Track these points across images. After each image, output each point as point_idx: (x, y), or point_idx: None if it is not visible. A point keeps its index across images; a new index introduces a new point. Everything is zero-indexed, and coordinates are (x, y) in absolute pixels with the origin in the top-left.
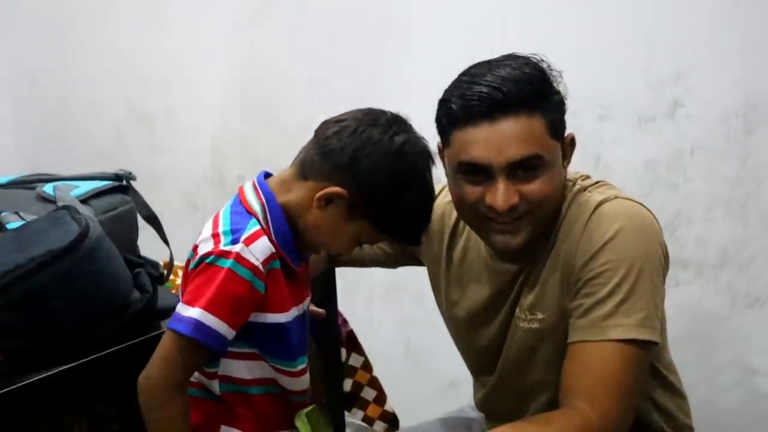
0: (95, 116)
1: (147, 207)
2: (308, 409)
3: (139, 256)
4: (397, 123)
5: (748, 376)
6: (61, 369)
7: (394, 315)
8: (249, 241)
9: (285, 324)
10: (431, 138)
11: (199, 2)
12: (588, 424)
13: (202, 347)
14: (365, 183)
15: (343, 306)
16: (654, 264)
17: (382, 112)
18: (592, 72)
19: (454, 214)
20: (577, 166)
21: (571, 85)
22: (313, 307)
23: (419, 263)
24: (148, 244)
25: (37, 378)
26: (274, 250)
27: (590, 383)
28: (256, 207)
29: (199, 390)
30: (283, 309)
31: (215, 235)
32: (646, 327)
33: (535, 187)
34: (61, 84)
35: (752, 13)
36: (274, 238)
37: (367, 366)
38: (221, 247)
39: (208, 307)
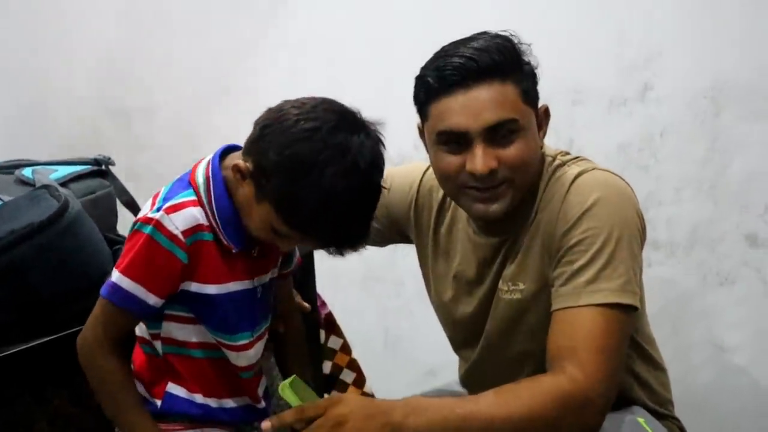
0: (72, 113)
1: (126, 192)
2: (290, 379)
3: (119, 235)
4: (337, 116)
5: (719, 353)
6: (42, 341)
7: (373, 304)
8: (171, 209)
9: (214, 296)
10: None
11: None
12: (576, 384)
13: (121, 310)
14: (263, 159)
15: (322, 295)
16: (632, 231)
17: (331, 103)
18: (564, 57)
19: (442, 189)
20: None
21: (544, 69)
22: (299, 299)
23: (406, 240)
24: (128, 229)
25: (18, 349)
26: (201, 222)
27: (576, 346)
28: (200, 179)
29: (148, 347)
30: (211, 281)
31: (152, 203)
32: (626, 291)
33: (512, 152)
34: (37, 81)
35: None
36: (211, 211)
37: (345, 348)
38: (147, 214)
39: (125, 271)
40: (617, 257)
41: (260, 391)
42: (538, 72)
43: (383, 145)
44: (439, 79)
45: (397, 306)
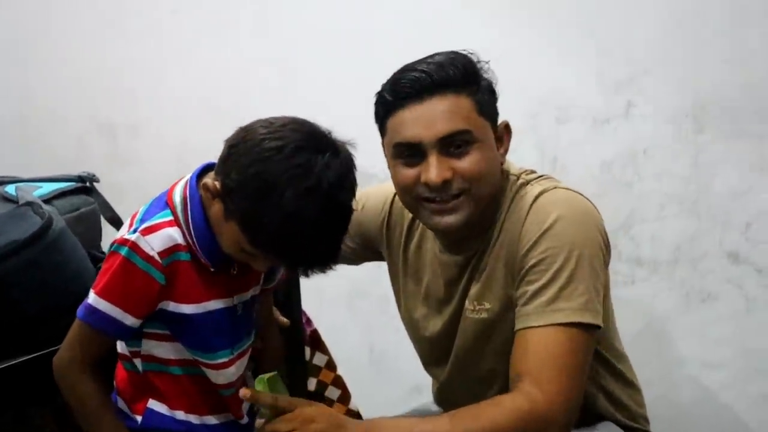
0: (57, 128)
1: (110, 209)
2: (270, 374)
3: (103, 252)
4: (304, 135)
5: (702, 370)
6: (25, 359)
7: (357, 320)
8: (147, 231)
9: (192, 315)
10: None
11: (161, 13)
12: (535, 405)
13: (98, 331)
14: (228, 178)
15: (307, 311)
16: (593, 250)
17: (301, 123)
18: (548, 75)
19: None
20: (535, 167)
21: (529, 88)
22: (278, 314)
23: (380, 258)
24: None
25: (2, 366)
26: (178, 242)
27: (536, 366)
28: (177, 198)
29: (129, 363)
30: (189, 300)
31: (130, 224)
32: (588, 310)
33: (466, 163)
34: (22, 95)
35: (698, 16)
36: (188, 230)
37: (330, 365)
38: (124, 235)
39: (102, 293)
40: (578, 276)
41: (244, 407)
42: (495, 75)
43: (353, 165)
44: (394, 92)
45: (382, 322)
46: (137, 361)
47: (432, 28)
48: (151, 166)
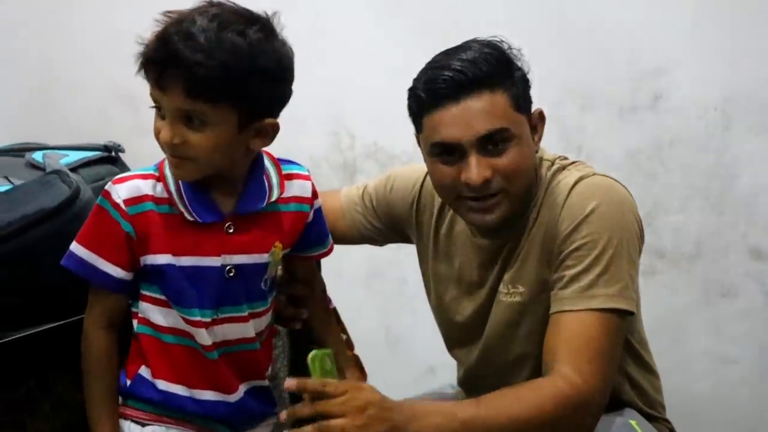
0: (78, 97)
1: None
2: (324, 351)
3: None
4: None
5: (719, 364)
6: (49, 326)
7: (375, 302)
8: (119, 181)
9: (165, 266)
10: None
11: None
12: (574, 388)
13: (87, 282)
14: None
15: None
16: (631, 237)
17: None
18: (575, 63)
19: None
20: (559, 154)
21: (555, 75)
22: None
23: (406, 240)
24: None
25: (26, 334)
26: (145, 193)
27: (573, 350)
28: None
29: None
30: (163, 251)
31: None
32: (624, 297)
33: (506, 160)
34: (43, 65)
35: (733, 12)
36: (175, 184)
37: (348, 344)
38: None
39: (78, 239)
40: (615, 263)
41: (241, 387)
42: (528, 63)
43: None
44: (430, 92)
45: (399, 304)
46: (135, 322)
47: (459, 9)
48: None
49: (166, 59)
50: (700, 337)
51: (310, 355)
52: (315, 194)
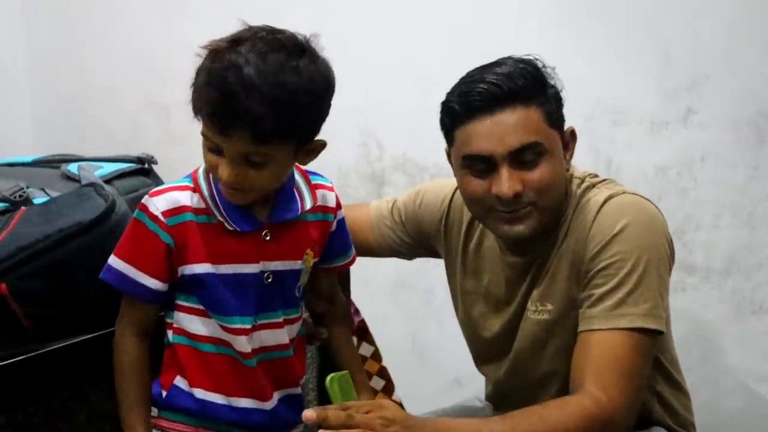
0: (112, 106)
1: None
2: (340, 373)
3: None
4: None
5: (750, 382)
6: (84, 338)
7: (402, 311)
8: (155, 193)
9: (203, 275)
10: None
11: None
12: (600, 407)
13: (122, 293)
14: None
15: (354, 301)
16: (660, 256)
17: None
18: (607, 77)
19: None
20: (589, 169)
21: (587, 89)
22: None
23: (435, 255)
24: None
25: (62, 345)
26: (184, 204)
27: (601, 369)
28: (203, 167)
29: (166, 336)
30: (203, 261)
31: None
32: (653, 316)
33: (537, 175)
34: (79, 74)
35: (765, 26)
36: (210, 195)
37: (376, 356)
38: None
39: (116, 252)
40: (645, 282)
41: (275, 395)
42: (561, 81)
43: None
44: (464, 104)
45: (426, 314)
46: (169, 333)
47: (489, 24)
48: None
49: (233, 114)
50: (730, 353)
51: (328, 378)
52: (339, 205)
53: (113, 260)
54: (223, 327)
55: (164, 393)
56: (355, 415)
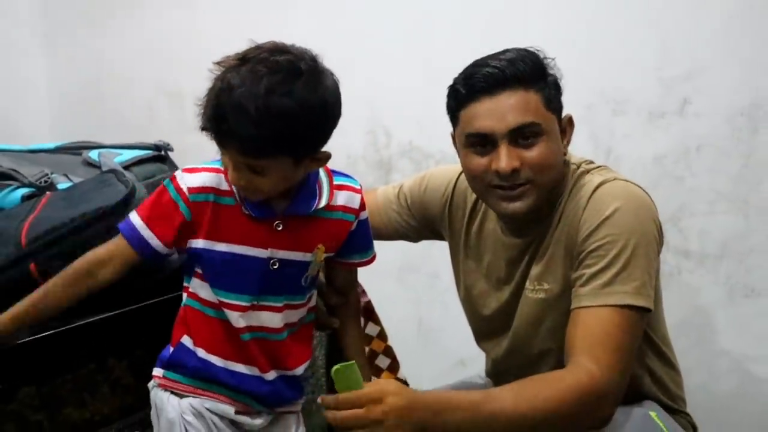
0: (128, 94)
1: None
2: (347, 363)
3: None
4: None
5: (742, 363)
6: (107, 315)
7: (408, 294)
8: (189, 170)
9: (210, 251)
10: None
11: None
12: (593, 378)
13: (127, 242)
14: None
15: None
16: (648, 239)
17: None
18: (606, 68)
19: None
20: (588, 157)
21: (587, 80)
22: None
23: (439, 237)
24: None
25: (87, 321)
26: (212, 186)
27: (593, 343)
28: None
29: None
30: (221, 239)
31: None
32: (641, 294)
33: (534, 153)
34: (96, 62)
35: (762, 17)
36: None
37: (382, 335)
38: None
39: (138, 210)
40: (633, 263)
41: (272, 372)
42: (560, 71)
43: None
44: (468, 86)
45: (431, 297)
46: (185, 296)
47: (496, 17)
48: None
49: (223, 132)
50: (723, 336)
51: (334, 369)
52: (363, 207)
53: (133, 215)
54: (219, 300)
55: (172, 349)
56: (347, 402)
